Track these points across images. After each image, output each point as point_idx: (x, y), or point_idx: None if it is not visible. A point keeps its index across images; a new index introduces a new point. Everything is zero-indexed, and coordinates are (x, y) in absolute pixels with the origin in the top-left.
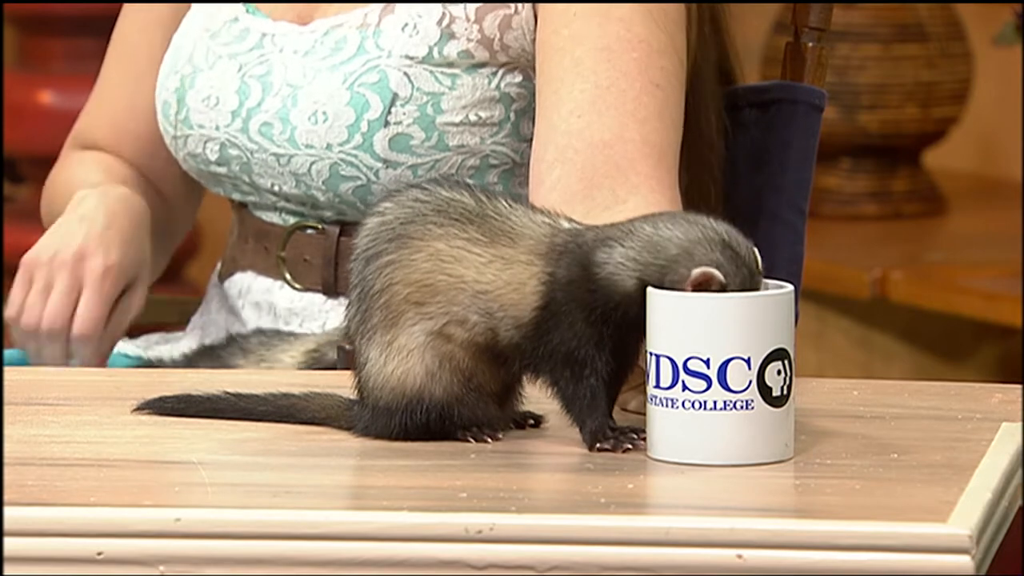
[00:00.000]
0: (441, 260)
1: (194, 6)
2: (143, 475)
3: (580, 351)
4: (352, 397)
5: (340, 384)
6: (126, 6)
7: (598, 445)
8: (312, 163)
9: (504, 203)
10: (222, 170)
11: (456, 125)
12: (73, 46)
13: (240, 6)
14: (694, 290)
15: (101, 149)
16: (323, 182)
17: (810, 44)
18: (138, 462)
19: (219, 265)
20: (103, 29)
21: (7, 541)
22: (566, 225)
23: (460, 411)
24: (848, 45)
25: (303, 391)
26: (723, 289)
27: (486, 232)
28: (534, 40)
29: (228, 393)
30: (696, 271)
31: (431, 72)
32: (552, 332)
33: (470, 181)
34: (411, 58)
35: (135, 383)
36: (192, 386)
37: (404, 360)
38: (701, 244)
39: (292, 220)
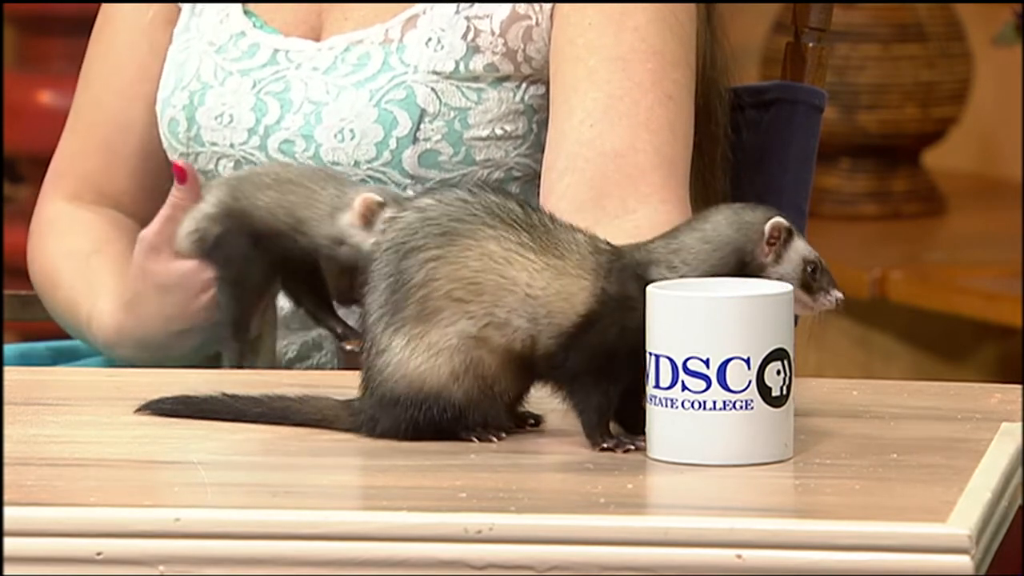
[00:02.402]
0: (493, 261)
1: (194, 20)
2: (143, 475)
3: (613, 363)
4: (346, 398)
5: (340, 385)
6: (98, 28)
7: (599, 445)
8: None
9: (547, 216)
10: None
11: (483, 139)
12: (73, 46)
13: (246, 20)
14: (769, 246)
15: (92, 178)
16: None
17: (810, 44)
18: (138, 462)
19: None
20: None
21: (7, 541)
22: (604, 245)
23: (474, 415)
24: (848, 45)
25: (299, 393)
26: (791, 234)
27: (536, 240)
28: None
29: (224, 395)
30: (768, 225)
31: (458, 87)
32: (588, 345)
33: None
34: (438, 73)
35: (135, 383)
36: (192, 386)
37: (432, 357)
38: (744, 212)
39: None
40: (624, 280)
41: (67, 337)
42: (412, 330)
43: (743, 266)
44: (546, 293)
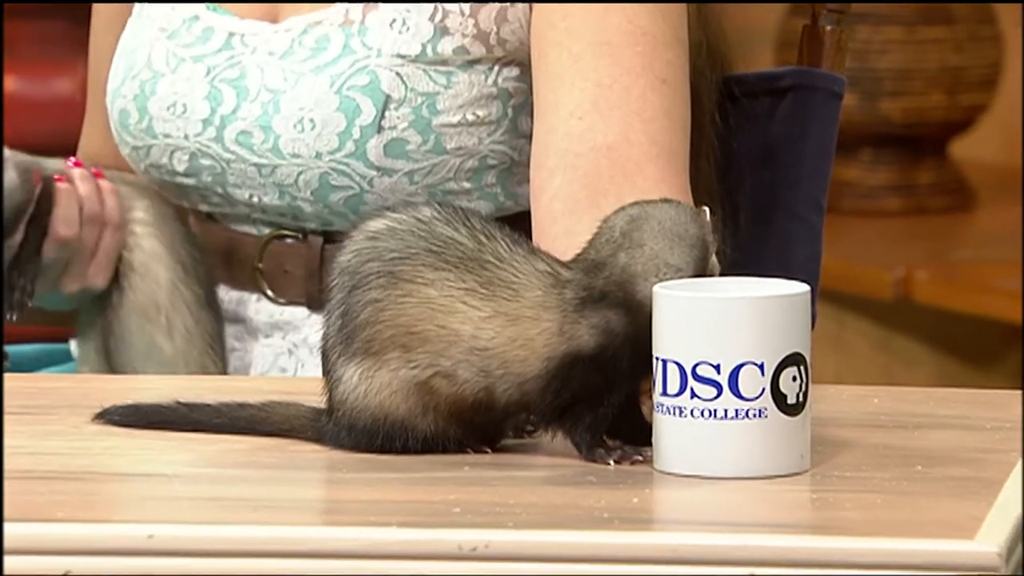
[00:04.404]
0: (432, 309)
1: (147, 8)
2: (113, 489)
3: (603, 392)
4: (318, 407)
5: (313, 392)
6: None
7: (604, 460)
8: (299, 173)
9: (504, 245)
10: (190, 181)
11: (453, 126)
12: (40, 29)
13: (200, 3)
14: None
15: (97, 159)
16: (311, 193)
17: (829, 27)
18: (108, 475)
19: None
20: (72, 12)
21: None
22: (566, 274)
23: (450, 442)
24: (869, 27)
25: (263, 400)
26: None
27: (485, 282)
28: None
29: (180, 404)
30: (707, 210)
31: (425, 71)
32: (569, 388)
33: (468, 204)
34: (403, 57)
35: (104, 390)
36: (165, 393)
37: (386, 397)
38: (671, 204)
39: (267, 230)
40: (607, 311)
41: (58, 340)
42: (363, 363)
43: (706, 263)
44: (496, 344)
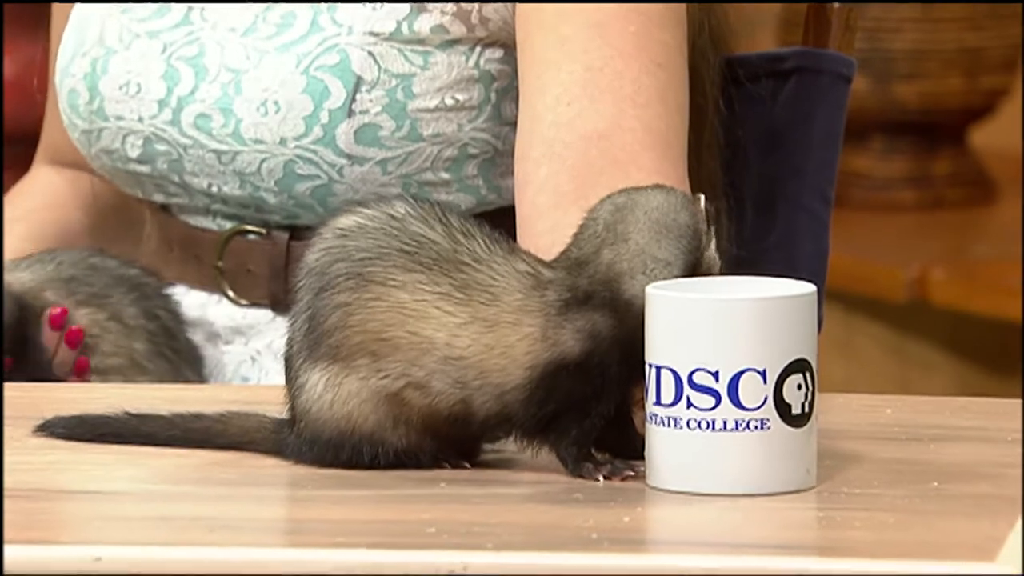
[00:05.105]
0: (404, 314)
1: None
2: (57, 507)
3: (591, 400)
4: (280, 417)
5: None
6: None
7: (592, 476)
8: (262, 161)
9: (482, 244)
10: (144, 168)
11: (430, 111)
12: None
13: None
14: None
15: (57, 143)
16: (275, 182)
17: (836, 4)
18: (52, 492)
19: None
20: None
21: None
22: (548, 275)
23: (422, 457)
24: (881, 5)
25: (220, 411)
26: None
27: (461, 286)
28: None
29: (130, 414)
30: (703, 198)
31: (400, 51)
32: (553, 399)
33: (447, 197)
34: (376, 35)
35: (48, 399)
36: (113, 403)
37: (353, 407)
38: (661, 190)
39: (229, 225)
40: (593, 312)
41: None
42: (329, 371)
43: (700, 256)
44: (473, 352)
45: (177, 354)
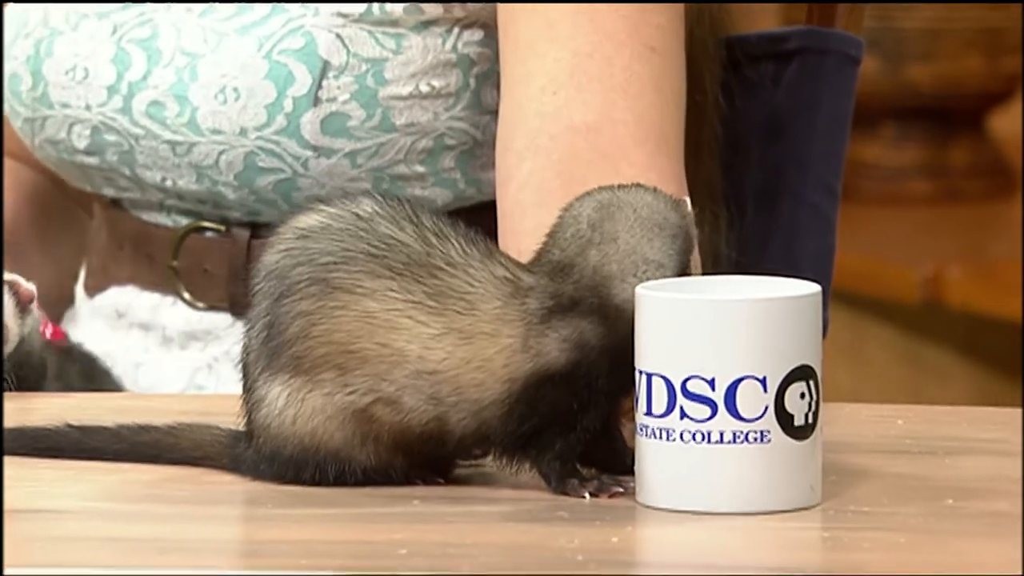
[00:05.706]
0: (373, 324)
1: None
2: None
3: (582, 415)
4: (237, 429)
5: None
6: None
7: (578, 493)
8: (220, 153)
9: (457, 247)
10: (92, 160)
11: (403, 98)
12: None
13: None
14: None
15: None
16: (235, 176)
17: None
18: None
19: (82, 275)
20: None
21: None
22: (528, 280)
23: (393, 474)
24: None
25: (171, 423)
26: None
27: (435, 293)
28: None
29: (72, 427)
30: (687, 197)
31: (370, 33)
32: (538, 405)
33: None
34: (344, 16)
35: None
36: (54, 414)
37: (318, 424)
38: (643, 188)
39: (184, 221)
40: (581, 319)
41: None
42: (291, 384)
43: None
44: (448, 366)
45: None
